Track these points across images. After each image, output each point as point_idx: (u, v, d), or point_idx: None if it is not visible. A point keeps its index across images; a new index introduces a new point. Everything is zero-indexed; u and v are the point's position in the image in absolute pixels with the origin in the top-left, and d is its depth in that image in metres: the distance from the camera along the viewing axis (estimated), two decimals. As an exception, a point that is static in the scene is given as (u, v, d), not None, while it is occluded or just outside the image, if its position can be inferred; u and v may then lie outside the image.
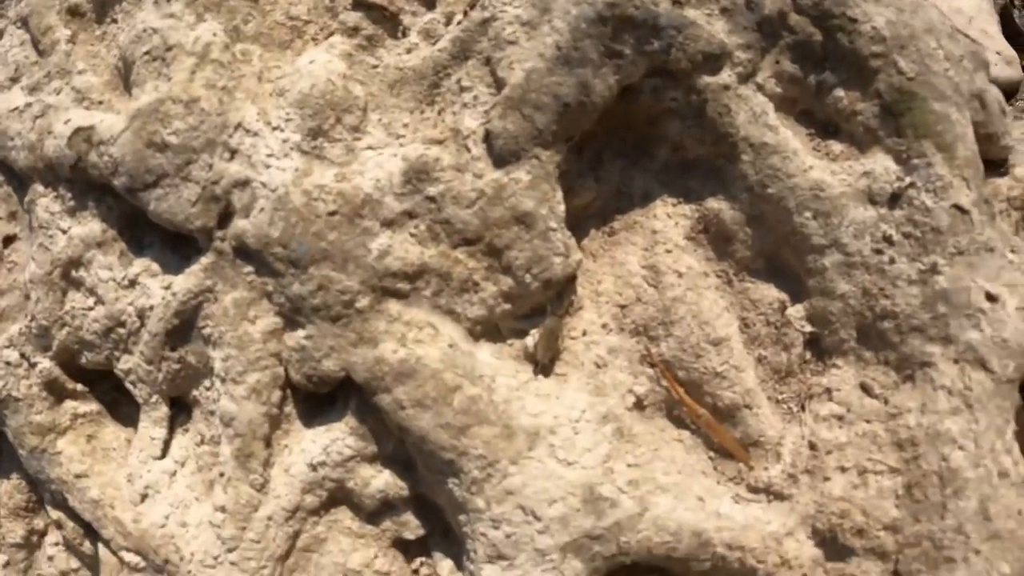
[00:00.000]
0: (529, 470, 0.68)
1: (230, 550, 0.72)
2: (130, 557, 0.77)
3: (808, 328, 0.79)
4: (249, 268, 0.73)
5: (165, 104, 0.73)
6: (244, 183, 0.73)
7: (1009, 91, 1.58)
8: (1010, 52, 1.55)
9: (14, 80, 0.86)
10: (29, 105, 0.82)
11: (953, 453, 0.73)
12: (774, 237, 0.79)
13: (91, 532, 0.84)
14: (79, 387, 0.82)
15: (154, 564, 0.75)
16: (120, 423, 0.84)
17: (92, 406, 0.83)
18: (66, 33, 0.84)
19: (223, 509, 0.72)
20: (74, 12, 0.86)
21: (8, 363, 0.81)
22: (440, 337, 0.72)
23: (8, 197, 0.86)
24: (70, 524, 0.84)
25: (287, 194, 0.71)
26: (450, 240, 0.73)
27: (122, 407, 0.84)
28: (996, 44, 1.57)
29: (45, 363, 0.81)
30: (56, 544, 0.90)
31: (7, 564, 0.92)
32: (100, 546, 0.81)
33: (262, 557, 0.73)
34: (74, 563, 0.89)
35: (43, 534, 0.91)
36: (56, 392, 0.82)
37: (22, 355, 0.81)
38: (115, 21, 0.85)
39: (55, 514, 0.84)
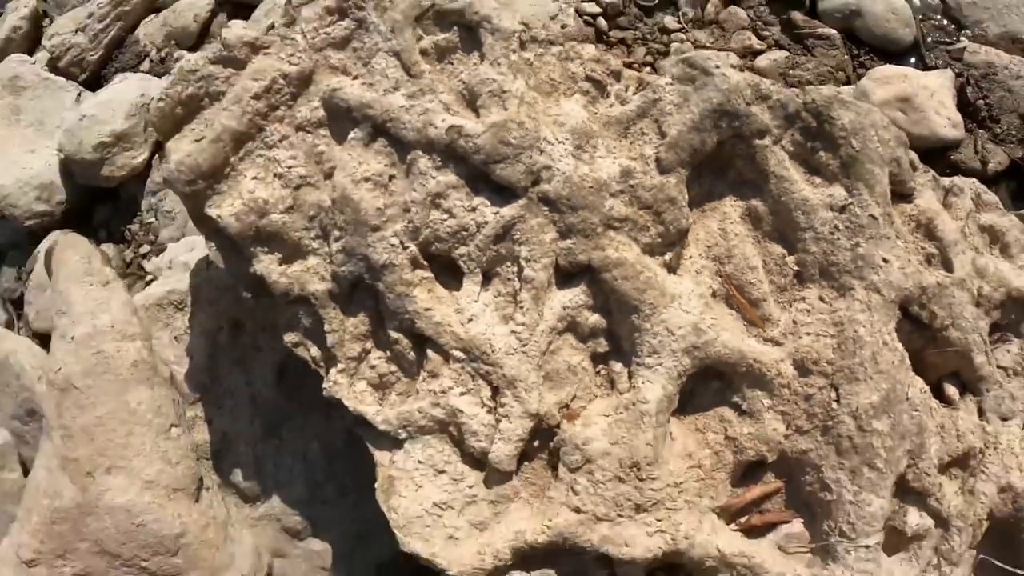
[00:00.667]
0: (671, 312, 1.64)
1: (523, 345, 1.63)
2: (457, 353, 1.65)
3: (795, 268, 1.76)
4: (546, 208, 1.64)
5: (508, 123, 1.63)
6: (547, 167, 1.64)
7: (953, 144, 2.70)
8: (956, 117, 2.67)
9: (396, 88, 1.69)
10: (413, 106, 1.67)
11: (859, 329, 1.68)
12: (782, 221, 1.76)
13: (419, 346, 1.70)
14: (425, 263, 1.71)
15: (472, 355, 1.65)
16: (443, 287, 1.73)
17: (430, 274, 1.70)
18: (426, 67, 1.73)
19: (523, 324, 1.63)
20: (424, 52, 1.75)
21: (392, 245, 1.66)
22: (633, 248, 1.66)
23: (391, 154, 1.69)
24: (405, 340, 1.71)
25: (570, 176, 1.64)
26: (639, 205, 1.68)
27: (441, 277, 1.72)
28: (948, 112, 2.70)
29: (412, 247, 1.67)
30: (379, 357, 1.76)
31: (342, 370, 1.78)
32: (429, 351, 1.69)
33: (536, 351, 1.64)
34: (393, 367, 1.75)
35: (369, 352, 1.78)
36: (414, 264, 1.67)
37: (400, 241, 1.67)
38: (451, 63, 1.74)
39: (395, 335, 1.71)
